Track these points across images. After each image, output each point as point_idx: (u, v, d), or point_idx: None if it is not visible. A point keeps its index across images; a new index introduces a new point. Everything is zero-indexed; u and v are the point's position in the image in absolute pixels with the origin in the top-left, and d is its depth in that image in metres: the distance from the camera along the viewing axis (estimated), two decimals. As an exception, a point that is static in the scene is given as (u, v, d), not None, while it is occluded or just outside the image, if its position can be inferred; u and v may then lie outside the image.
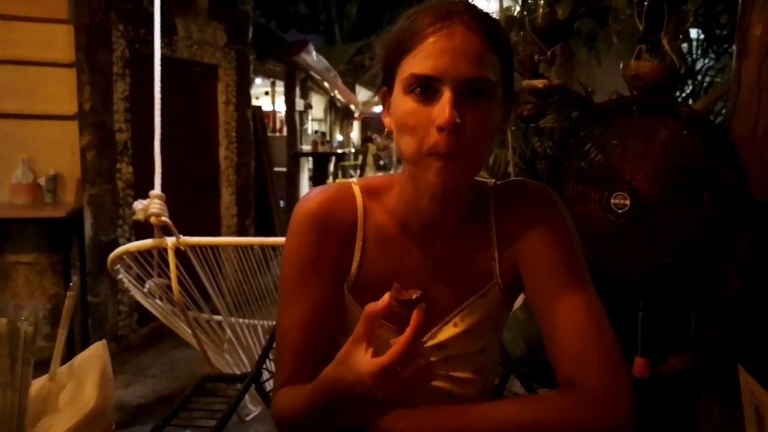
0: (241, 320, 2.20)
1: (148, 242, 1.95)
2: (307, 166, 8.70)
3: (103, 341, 0.75)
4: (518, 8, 2.42)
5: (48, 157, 3.24)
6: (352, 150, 13.27)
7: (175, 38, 3.82)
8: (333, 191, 0.88)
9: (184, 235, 1.97)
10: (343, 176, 10.49)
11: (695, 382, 1.74)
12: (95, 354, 0.73)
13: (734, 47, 1.67)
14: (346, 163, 11.70)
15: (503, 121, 0.83)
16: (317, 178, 8.64)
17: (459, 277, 0.88)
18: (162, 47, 2.19)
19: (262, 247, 2.11)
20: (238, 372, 2.16)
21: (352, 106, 13.46)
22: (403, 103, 0.77)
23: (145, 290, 2.04)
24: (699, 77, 2.53)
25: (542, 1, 1.97)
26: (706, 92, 2.50)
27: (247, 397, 1.91)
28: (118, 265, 2.02)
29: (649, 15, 1.67)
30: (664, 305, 1.86)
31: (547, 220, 0.86)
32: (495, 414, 0.73)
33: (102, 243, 3.32)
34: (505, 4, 2.93)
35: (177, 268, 1.90)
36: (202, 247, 2.03)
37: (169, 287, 1.93)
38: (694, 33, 2.43)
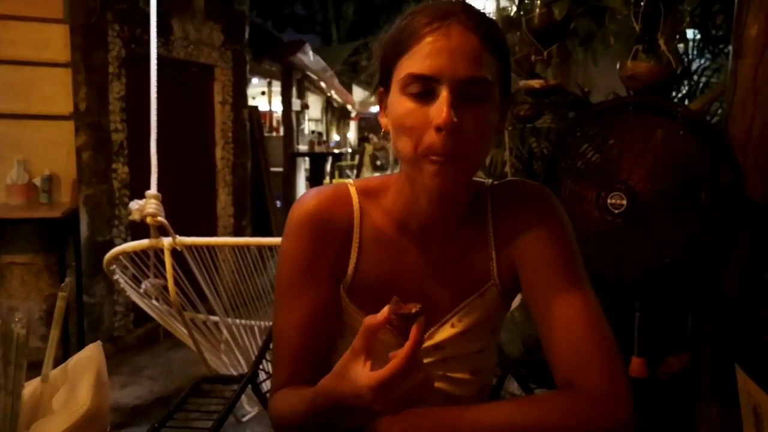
0: (237, 321, 2.20)
1: (144, 242, 1.94)
2: (303, 166, 8.70)
3: (98, 343, 0.75)
4: (515, 8, 2.42)
5: (43, 157, 3.23)
6: (349, 150, 13.26)
7: (171, 38, 3.82)
8: (329, 193, 0.88)
9: (181, 235, 1.96)
10: (340, 176, 10.49)
11: (694, 383, 1.74)
12: (90, 356, 0.73)
13: (730, 47, 1.67)
14: (343, 163, 11.69)
15: (500, 121, 0.82)
16: (314, 179, 8.63)
17: (457, 277, 0.88)
18: (158, 47, 2.19)
19: (259, 248, 2.10)
20: (234, 373, 2.16)
21: (349, 106, 13.45)
22: (400, 103, 0.76)
23: (142, 291, 2.03)
24: (695, 78, 2.53)
25: (539, 2, 1.97)
26: (702, 93, 2.50)
27: (243, 397, 1.91)
28: (114, 266, 2.01)
29: (645, 15, 1.67)
30: (661, 305, 1.86)
31: (545, 221, 0.86)
32: (494, 416, 0.73)
33: (98, 243, 3.31)
34: (502, 4, 2.93)
35: (173, 268, 1.89)
36: (198, 248, 2.02)
37: (166, 288, 1.93)
38: (690, 33, 2.43)
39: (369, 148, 11.67)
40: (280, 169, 7.38)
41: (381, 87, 0.83)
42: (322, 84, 9.78)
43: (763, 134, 1.53)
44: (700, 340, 1.74)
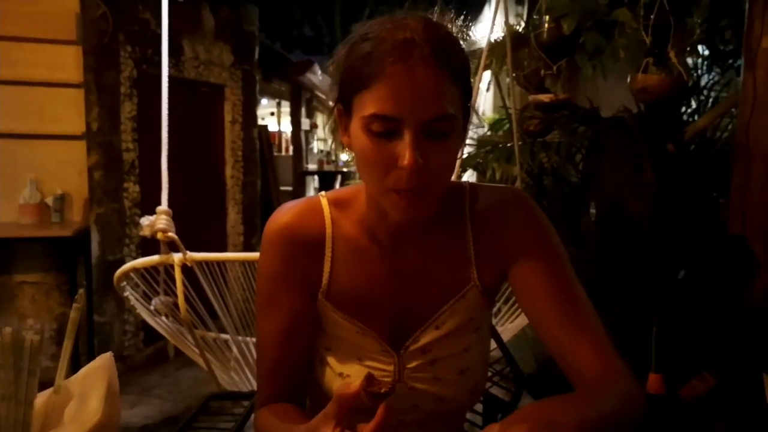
0: (248, 339, 2.18)
1: (155, 258, 1.94)
2: (312, 184, 8.73)
3: (110, 353, 0.74)
4: (523, 24, 2.43)
5: (55, 176, 3.25)
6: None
7: (182, 58, 3.86)
8: (300, 206, 0.90)
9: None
10: (349, 195, 10.44)
11: (711, 402, 1.71)
12: (101, 366, 0.72)
13: (741, 60, 1.66)
14: (352, 182, 11.71)
15: (463, 139, 0.84)
16: (323, 197, 8.62)
17: (436, 280, 0.89)
18: (169, 67, 2.21)
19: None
20: (245, 390, 2.14)
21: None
22: (363, 139, 0.75)
23: (152, 308, 2.02)
24: (704, 93, 2.52)
25: (547, 17, 1.98)
26: (711, 107, 2.49)
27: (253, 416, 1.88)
28: (125, 282, 2.01)
29: (655, 28, 1.67)
30: (679, 320, 1.84)
31: (532, 227, 0.87)
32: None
33: (108, 262, 3.31)
34: (511, 20, 2.94)
35: (183, 284, 1.88)
36: (208, 264, 2.02)
37: (176, 305, 1.92)
38: (699, 49, 2.43)
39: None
40: (290, 188, 7.41)
41: (340, 105, 0.82)
42: (330, 103, 9.84)
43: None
44: (717, 359, 1.71)
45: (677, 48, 1.70)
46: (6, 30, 3.15)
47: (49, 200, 3.21)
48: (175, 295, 1.91)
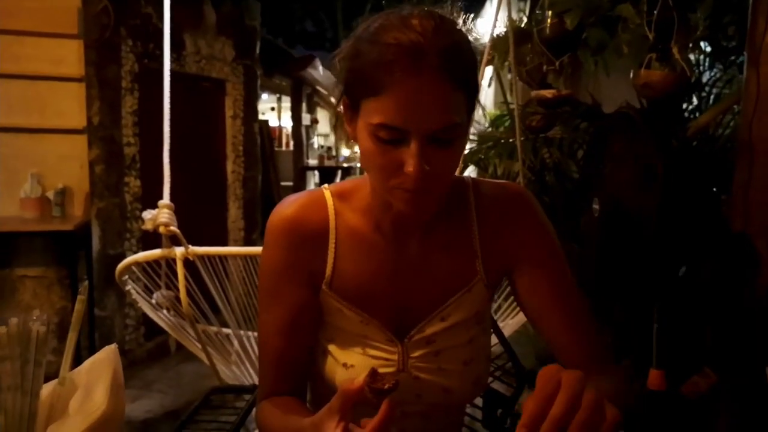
0: (249, 333, 2.19)
1: (157, 252, 1.94)
2: (313, 180, 8.73)
3: (114, 345, 0.74)
4: (526, 19, 2.43)
5: (56, 170, 3.25)
6: (358, 165, 13.31)
7: (183, 53, 3.85)
8: (303, 199, 0.91)
9: (192, 247, 1.96)
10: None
11: (713, 399, 1.71)
12: (106, 358, 0.72)
13: (744, 56, 1.66)
14: (353, 177, 11.70)
15: (467, 137, 0.86)
16: (324, 193, 8.62)
17: (441, 272, 0.90)
18: (171, 62, 2.21)
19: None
20: (246, 383, 2.14)
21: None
22: (369, 143, 0.76)
23: (153, 302, 2.03)
24: (706, 89, 2.52)
25: (550, 12, 1.98)
26: (713, 104, 2.48)
27: (254, 412, 1.89)
28: (126, 276, 2.01)
29: (659, 24, 1.66)
30: (680, 317, 1.84)
31: (535, 224, 0.91)
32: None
33: (109, 256, 3.31)
34: (513, 15, 2.94)
35: (185, 279, 1.89)
36: (210, 259, 2.02)
37: (178, 299, 1.92)
38: (701, 45, 2.42)
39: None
40: (290, 183, 7.41)
41: (346, 99, 0.81)
42: (332, 99, 9.84)
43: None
44: (719, 355, 1.71)
45: (680, 44, 1.69)
46: (8, 24, 3.15)
47: (51, 194, 3.21)
48: (177, 289, 1.91)
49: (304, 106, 7.92)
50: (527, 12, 2.43)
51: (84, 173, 3.29)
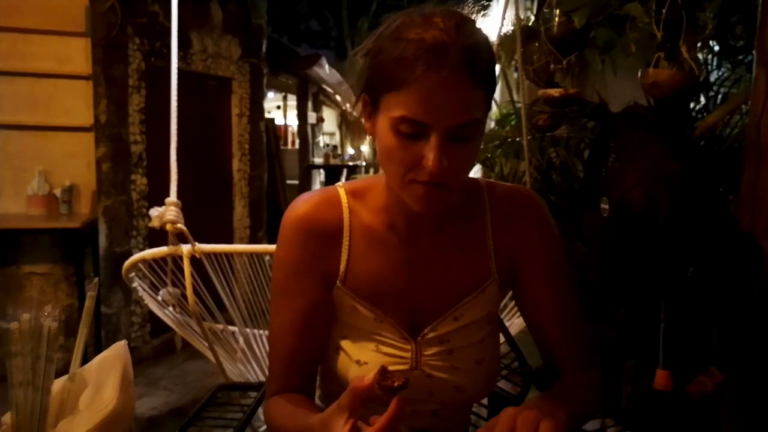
0: (255, 331, 2.19)
1: (163, 249, 1.95)
2: (319, 178, 8.74)
3: (124, 342, 0.75)
4: (533, 18, 2.42)
5: (64, 168, 3.27)
6: (363, 163, 13.33)
7: (190, 51, 3.86)
8: (317, 197, 0.91)
9: (198, 245, 1.96)
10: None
11: (716, 398, 1.70)
12: (116, 355, 0.73)
13: (752, 55, 1.65)
14: (358, 176, 11.72)
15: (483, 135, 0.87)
16: (329, 191, 8.63)
17: (455, 272, 0.91)
18: (177, 60, 2.21)
19: (277, 257, 2.09)
20: (252, 380, 2.14)
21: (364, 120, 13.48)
22: (390, 137, 0.77)
23: (159, 299, 2.03)
24: (714, 89, 2.50)
25: (558, 10, 1.97)
26: (721, 104, 2.47)
27: (261, 409, 1.89)
28: (133, 273, 2.02)
29: (667, 22, 1.66)
30: (687, 317, 1.83)
31: (545, 228, 0.94)
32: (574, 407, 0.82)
33: (116, 254, 3.33)
34: (521, 13, 2.93)
35: (192, 276, 1.89)
36: (216, 256, 2.02)
37: (184, 296, 1.93)
38: (710, 43, 2.41)
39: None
40: (296, 182, 7.42)
41: (366, 96, 0.82)
42: (338, 97, 9.84)
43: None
44: (725, 355, 1.70)
45: (689, 43, 1.69)
46: (15, 22, 3.16)
47: (58, 192, 3.23)
48: (183, 287, 1.92)
49: (309, 104, 7.93)
50: (535, 11, 2.42)
51: (91, 171, 3.30)
